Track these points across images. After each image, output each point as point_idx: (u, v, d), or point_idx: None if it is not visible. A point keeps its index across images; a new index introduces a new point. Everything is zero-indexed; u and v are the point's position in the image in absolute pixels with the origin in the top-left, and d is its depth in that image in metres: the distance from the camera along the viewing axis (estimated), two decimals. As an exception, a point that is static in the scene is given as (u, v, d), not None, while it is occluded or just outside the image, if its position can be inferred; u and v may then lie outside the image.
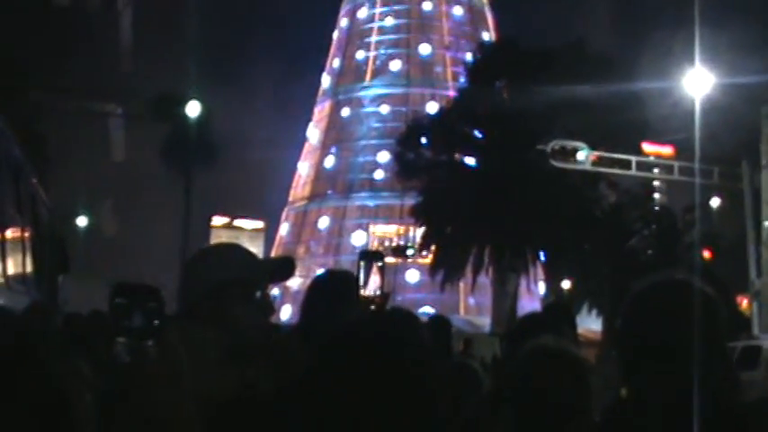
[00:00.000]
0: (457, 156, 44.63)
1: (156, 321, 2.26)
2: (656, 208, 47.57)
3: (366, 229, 75.79)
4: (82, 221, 48.14)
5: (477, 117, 42.75)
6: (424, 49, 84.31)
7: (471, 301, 67.12)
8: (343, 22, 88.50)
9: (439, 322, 6.71)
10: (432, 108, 64.81)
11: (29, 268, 9.84)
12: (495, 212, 38.30)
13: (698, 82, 26.44)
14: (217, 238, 74.26)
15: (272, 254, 79.94)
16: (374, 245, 65.88)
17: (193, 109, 33.38)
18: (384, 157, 72.68)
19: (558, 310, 5.91)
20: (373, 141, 79.72)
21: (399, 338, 1.67)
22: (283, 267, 2.99)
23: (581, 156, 30.48)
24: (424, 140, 43.88)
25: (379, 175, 78.37)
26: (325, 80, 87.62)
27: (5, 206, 8.80)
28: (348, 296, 3.63)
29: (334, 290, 3.66)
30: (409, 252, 54.25)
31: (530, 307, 38.39)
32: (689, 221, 41.58)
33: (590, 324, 40.79)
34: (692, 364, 2.05)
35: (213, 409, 2.45)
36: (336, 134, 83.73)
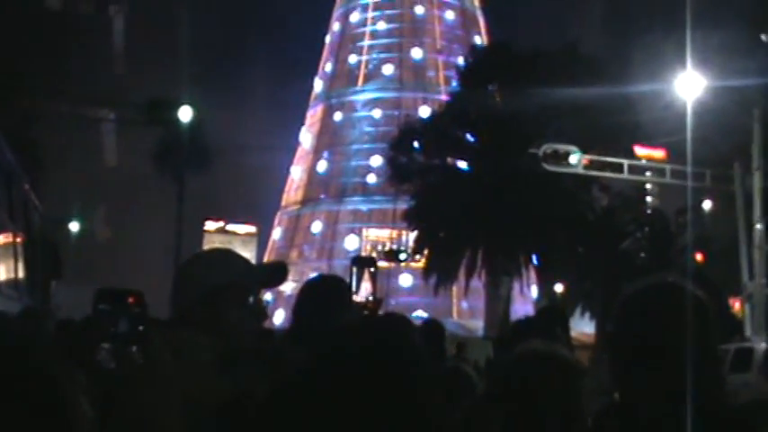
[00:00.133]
0: (449, 159, 44.66)
1: (141, 327, 2.26)
2: (649, 211, 47.72)
3: (359, 234, 75.78)
4: (74, 227, 48.01)
5: (470, 121, 42.78)
6: (417, 53, 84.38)
7: (464, 304, 67.13)
8: (336, 26, 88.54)
9: (432, 326, 6.71)
10: (424, 112, 64.88)
11: (21, 274, 9.82)
12: (487, 216, 38.32)
13: (689, 85, 26.47)
14: (210, 242, 74.29)
15: (265, 258, 79.92)
16: (367, 249, 65.90)
17: (186, 114, 33.34)
18: (377, 161, 72.69)
19: (552, 314, 5.92)
20: (366, 145, 79.74)
21: (392, 342, 1.68)
22: (276, 272, 2.99)
23: (573, 159, 30.49)
24: (416, 144, 43.90)
25: (371, 179, 78.37)
26: (318, 84, 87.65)
27: (-3, 212, 8.79)
28: (340, 300, 3.62)
29: (326, 294, 3.66)
30: (402, 256, 54.24)
31: (523, 310, 38.43)
32: (681, 224, 41.69)
33: (583, 327, 40.85)
34: (684, 367, 2.06)
35: (205, 413, 2.45)
36: (329, 138, 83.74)
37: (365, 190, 79.73)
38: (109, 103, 38.84)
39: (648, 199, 52.11)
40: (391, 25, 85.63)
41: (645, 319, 2.19)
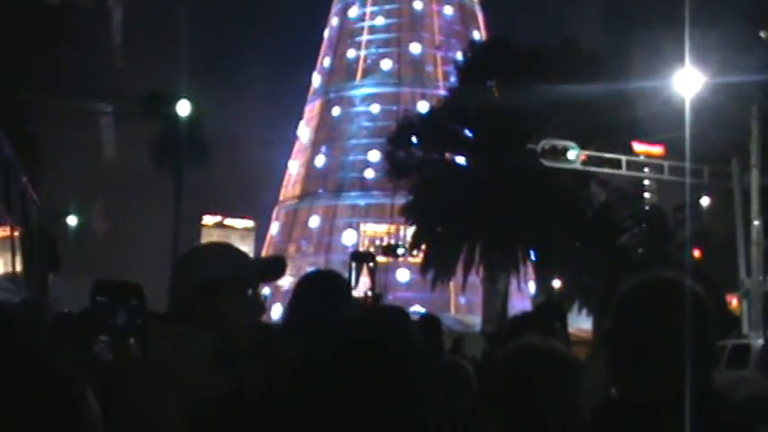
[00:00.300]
0: (447, 155, 44.65)
1: (139, 319, 2.25)
2: (647, 207, 47.70)
3: (357, 229, 75.83)
4: (73, 220, 48.01)
5: (468, 116, 42.77)
6: (415, 48, 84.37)
7: (462, 300, 67.19)
8: (334, 20, 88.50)
9: (429, 321, 6.71)
10: (422, 107, 64.86)
11: (19, 267, 9.81)
12: (485, 211, 38.33)
13: (688, 81, 26.47)
14: (208, 236, 74.23)
15: (263, 253, 79.93)
16: (365, 244, 65.95)
17: (184, 108, 33.30)
18: (375, 156, 72.73)
19: (549, 309, 5.92)
20: (364, 140, 79.77)
21: (390, 336, 1.67)
22: (274, 266, 2.99)
23: (571, 155, 30.47)
24: (414, 139, 43.89)
25: (369, 174, 78.41)
26: (316, 79, 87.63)
27: (-5, 205, 8.79)
28: (338, 295, 3.62)
29: (324, 288, 3.65)
30: (400, 251, 54.26)
31: (520, 306, 38.44)
32: (679, 220, 41.70)
33: (581, 323, 40.86)
34: (682, 362, 2.06)
35: (203, 407, 2.45)
36: (327, 133, 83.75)
37: (363, 185, 79.77)
38: (107, 97, 38.80)
39: (646, 195, 52.12)
40: (390, 20, 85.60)
41: (643, 314, 2.19)
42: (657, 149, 37.68)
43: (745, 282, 28.28)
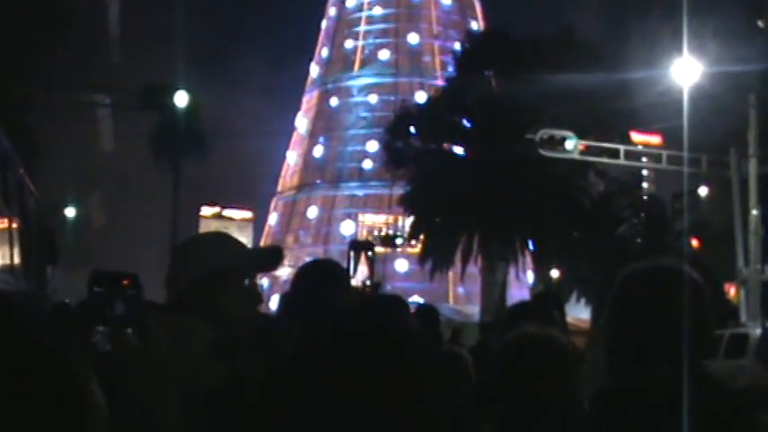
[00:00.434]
0: (445, 145, 44.61)
1: (136, 309, 2.25)
2: (645, 196, 47.72)
3: (355, 219, 75.82)
4: (71, 212, 48.00)
5: (466, 106, 42.73)
6: (413, 38, 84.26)
7: (460, 290, 67.21)
8: (332, 11, 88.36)
9: (426, 312, 6.72)
10: (420, 97, 64.79)
11: (17, 259, 9.81)
12: (483, 201, 38.32)
13: (686, 71, 26.46)
14: (206, 228, 74.17)
15: (261, 243, 79.92)
16: (363, 234, 65.93)
17: (182, 99, 33.31)
18: (373, 146, 72.67)
19: (548, 299, 5.93)
20: (362, 131, 79.71)
21: (388, 323, 1.68)
22: (272, 256, 2.98)
23: (569, 145, 30.45)
24: (412, 130, 43.84)
25: (367, 164, 78.39)
26: (314, 69, 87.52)
27: (-7, 197, 8.79)
28: (337, 284, 3.62)
29: (322, 277, 3.66)
30: (398, 241, 54.28)
31: (518, 296, 38.45)
32: (677, 210, 41.71)
33: (579, 313, 40.90)
34: (680, 349, 2.06)
35: (201, 398, 2.45)
36: (325, 124, 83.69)
37: (361, 175, 79.75)
38: (105, 89, 38.77)
39: (645, 185, 52.12)
40: (387, 10, 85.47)
41: (640, 302, 2.20)
42: (655, 139, 37.69)
43: (742, 271, 28.30)
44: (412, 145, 44.03)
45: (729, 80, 26.62)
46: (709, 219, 39.07)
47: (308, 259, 4.41)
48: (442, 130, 43.26)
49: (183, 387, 2.43)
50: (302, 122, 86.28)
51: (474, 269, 44.34)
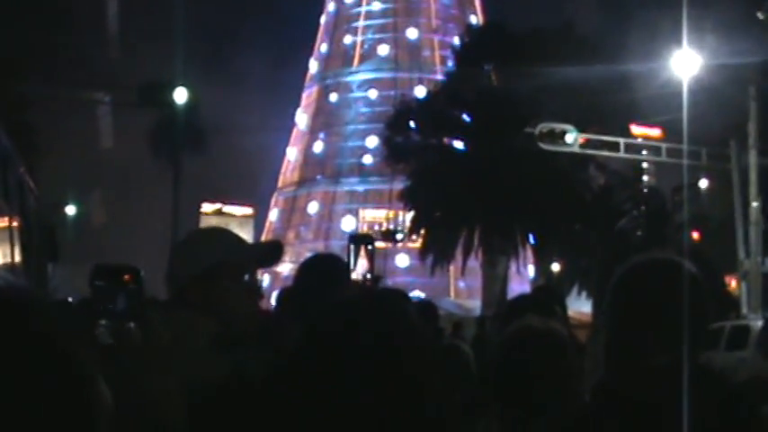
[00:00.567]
0: (445, 139, 44.60)
1: (137, 303, 2.26)
2: (645, 189, 47.71)
3: (355, 214, 75.81)
4: (71, 210, 48.00)
5: (466, 101, 42.71)
6: (412, 33, 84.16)
7: (461, 284, 67.24)
8: (331, 6, 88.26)
9: (425, 308, 6.73)
10: (420, 92, 64.73)
11: (17, 257, 9.82)
12: (484, 195, 38.32)
13: (685, 63, 26.44)
14: (206, 224, 74.10)
15: (262, 239, 79.85)
16: (364, 229, 65.93)
17: (181, 95, 33.24)
18: (373, 141, 72.64)
19: (548, 291, 5.94)
20: (361, 126, 79.65)
21: (389, 316, 1.68)
22: (272, 251, 2.98)
23: (569, 138, 30.43)
24: (412, 124, 43.82)
25: (367, 159, 78.36)
26: (313, 65, 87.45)
27: (-7, 195, 8.79)
28: (338, 278, 3.63)
29: (322, 271, 3.66)
30: (399, 236, 54.27)
31: (520, 289, 38.45)
32: (677, 202, 41.70)
33: (580, 306, 40.92)
34: (680, 343, 2.06)
35: (202, 393, 2.45)
36: (325, 119, 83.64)
37: (361, 170, 79.73)
38: (104, 86, 38.75)
39: (645, 177, 52.15)
40: (386, 5, 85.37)
41: (639, 295, 2.20)
42: (655, 132, 37.66)
43: (743, 263, 28.30)
44: (412, 140, 44.02)
45: (729, 72, 26.60)
46: (709, 211, 39.07)
47: (308, 255, 4.41)
48: (441, 124, 43.24)
49: (183, 382, 2.44)
50: (302, 118, 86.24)
51: (475, 263, 44.36)
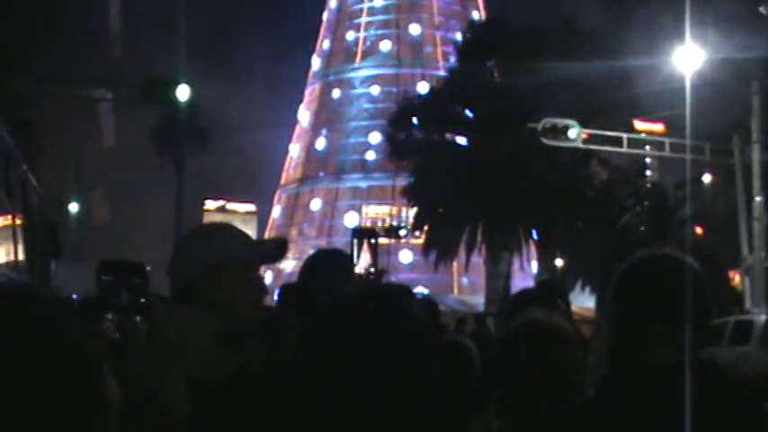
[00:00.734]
0: (448, 135, 44.58)
1: (143, 298, 2.27)
2: (648, 185, 47.67)
3: (359, 211, 75.81)
4: (74, 207, 48.06)
5: (468, 96, 42.68)
6: (414, 29, 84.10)
7: (464, 280, 67.26)
8: (333, 2, 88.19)
9: (425, 305, 6.74)
10: (422, 88, 64.68)
11: (20, 254, 9.83)
12: (487, 191, 38.32)
13: (688, 58, 26.42)
14: (209, 221, 74.24)
15: (266, 236, 79.90)
16: (367, 226, 65.93)
17: (183, 93, 33.25)
18: (375, 138, 72.61)
19: (551, 286, 5.94)
20: (364, 122, 79.62)
21: (392, 311, 1.68)
22: (277, 248, 2.98)
23: (572, 133, 30.40)
24: (415, 121, 43.81)
25: (370, 156, 78.32)
26: (316, 62, 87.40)
27: (-4, 193, 8.80)
28: (342, 273, 3.63)
29: (328, 267, 3.67)
30: (402, 232, 54.25)
31: (522, 285, 38.26)
32: (680, 198, 41.68)
33: (583, 301, 40.92)
34: (681, 337, 2.07)
35: (207, 390, 2.46)
36: (327, 116, 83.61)
37: (364, 167, 79.70)
38: (107, 83, 38.76)
39: (648, 173, 52.10)
40: (388, 1, 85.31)
41: (642, 290, 2.20)
42: (658, 127, 37.65)
43: (747, 258, 28.31)
44: (414, 136, 44.01)
45: (732, 67, 26.58)
46: (712, 206, 39.02)
47: (312, 251, 4.41)
48: (444, 120, 43.23)
49: (188, 377, 2.44)
50: (304, 115, 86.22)
51: (478, 259, 44.36)
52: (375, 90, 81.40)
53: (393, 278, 55.94)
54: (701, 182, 40.68)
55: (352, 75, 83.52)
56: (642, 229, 42.43)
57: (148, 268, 2.31)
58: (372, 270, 26.27)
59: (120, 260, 2.36)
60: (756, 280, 27.30)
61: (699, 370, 2.06)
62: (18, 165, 10.34)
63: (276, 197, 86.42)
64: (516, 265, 43.17)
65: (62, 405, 1.05)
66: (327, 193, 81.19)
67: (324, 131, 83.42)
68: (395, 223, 58.97)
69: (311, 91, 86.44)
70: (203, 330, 2.57)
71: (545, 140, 30.56)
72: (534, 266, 47.54)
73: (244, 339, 2.74)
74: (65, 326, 1.08)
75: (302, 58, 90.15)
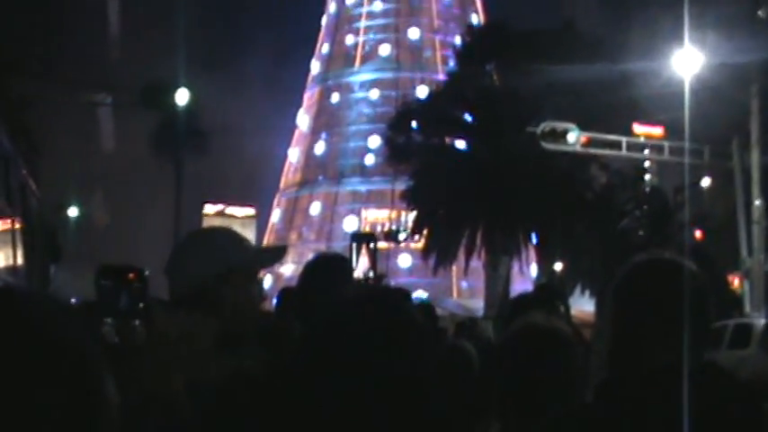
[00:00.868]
0: (447, 139, 44.61)
1: (141, 302, 2.28)
2: (647, 189, 47.65)
3: (358, 215, 75.79)
4: (73, 212, 48.04)
5: (467, 100, 42.71)
6: (413, 33, 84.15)
7: (464, 284, 67.25)
8: (332, 6, 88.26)
9: (422, 309, 6.73)
10: (422, 92, 64.73)
11: (19, 259, 9.83)
12: (486, 195, 38.32)
13: (687, 62, 26.44)
14: (208, 225, 74.21)
15: (265, 240, 79.97)
16: (366, 230, 65.91)
17: (183, 97, 33.25)
18: (375, 142, 72.62)
19: (551, 290, 5.93)
20: (363, 126, 79.65)
21: (391, 315, 1.68)
22: (277, 255, 3.00)
23: (571, 137, 30.44)
24: (414, 124, 43.83)
25: (369, 160, 78.33)
26: (315, 66, 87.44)
27: (-5, 197, 8.80)
28: (341, 278, 3.64)
29: (327, 271, 3.67)
30: (401, 236, 54.23)
31: (522, 289, 38.32)
32: (680, 201, 41.66)
33: (583, 305, 40.90)
34: (681, 339, 2.07)
35: (206, 393, 2.45)
36: (326, 120, 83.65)
37: (363, 171, 79.71)
38: (106, 87, 38.76)
39: (647, 176, 52.09)
40: (387, 5, 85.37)
41: (642, 294, 2.20)
42: (657, 131, 37.60)
43: (746, 261, 28.32)
44: (414, 140, 44.02)
45: (731, 71, 26.59)
46: (711, 210, 39.04)
47: (311, 255, 4.41)
48: (443, 124, 43.25)
49: (188, 381, 2.44)
50: (304, 119, 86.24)
51: (477, 263, 44.35)
52: (374, 94, 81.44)
53: (392, 282, 55.87)
54: (701, 185, 40.71)
55: (351, 79, 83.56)
56: (641, 232, 42.42)
57: (147, 273, 2.31)
58: (371, 274, 26.24)
59: (119, 265, 2.37)
60: (755, 283, 27.31)
61: (699, 372, 2.06)
62: (18, 169, 10.33)
63: (275, 201, 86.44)
64: (516, 268, 43.16)
65: (61, 406, 1.05)
66: (327, 197, 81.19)
67: (323, 135, 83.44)
68: (394, 227, 58.96)
69: (310, 95, 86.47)
70: (203, 334, 2.57)
71: (544, 144, 30.58)
72: (534, 270, 47.54)
73: (243, 343, 2.75)
74: (64, 327, 1.08)
75: (301, 62, 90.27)
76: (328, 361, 1.61)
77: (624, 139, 32.15)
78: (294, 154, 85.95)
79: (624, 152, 32.31)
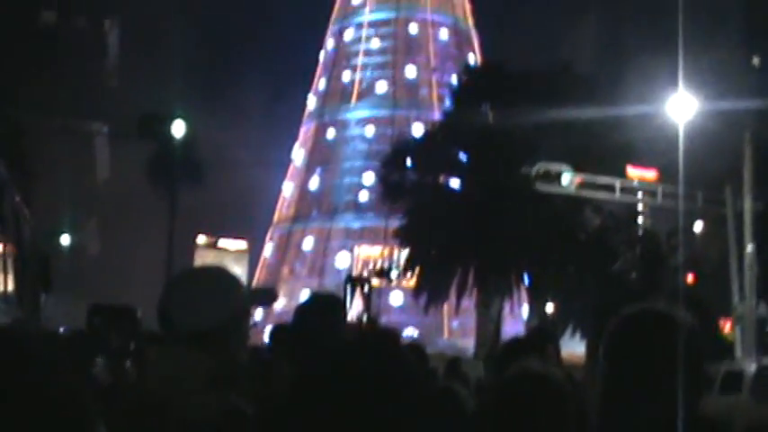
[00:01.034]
0: (441, 178, 44.68)
1: (133, 342, 2.27)
2: (640, 232, 47.69)
3: (350, 251, 75.66)
4: (66, 240, 47.93)
5: (462, 139, 42.84)
6: (410, 71, 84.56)
7: (455, 323, 67.03)
8: (330, 43, 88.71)
9: (412, 349, 6.70)
10: (417, 130, 64.97)
11: (10, 286, 9.79)
12: (479, 235, 38.32)
13: (682, 107, 26.57)
14: (201, 257, 74.09)
15: (257, 275, 79.79)
16: (358, 267, 65.83)
17: (179, 128, 33.31)
18: (369, 178, 72.72)
19: (543, 333, 5.93)
20: (358, 163, 79.77)
21: (385, 359, 1.67)
22: (265, 296, 3.05)
23: (565, 179, 30.52)
24: (408, 162, 43.91)
25: (363, 196, 78.39)
26: (311, 101, 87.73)
27: (-12, 224, 8.77)
28: (335, 320, 3.63)
29: (321, 313, 3.65)
30: (393, 274, 54.15)
31: (513, 330, 38.39)
32: (673, 245, 41.70)
33: (574, 347, 40.78)
34: (674, 392, 2.06)
35: (198, 430, 2.44)
36: (321, 155, 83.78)
37: (357, 207, 79.72)
38: (102, 117, 38.86)
39: (640, 220, 52.17)
40: (385, 43, 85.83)
41: (634, 346, 2.20)
42: (651, 174, 37.74)
43: (738, 307, 28.30)
44: (408, 177, 44.08)
45: (725, 117, 26.75)
46: (704, 254, 39.07)
47: (303, 291, 4.40)
48: (438, 163, 43.33)
49: (179, 419, 2.43)
50: (299, 154, 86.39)
51: (469, 303, 44.27)
52: (370, 131, 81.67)
53: (383, 320, 55.75)
54: (693, 230, 40.76)
55: (347, 115, 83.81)
56: (634, 275, 42.40)
57: (139, 314, 2.31)
58: (364, 318, 26.23)
59: (111, 304, 2.37)
60: (747, 329, 27.28)
61: (692, 426, 2.05)
62: (11, 196, 10.32)
63: (268, 235, 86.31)
64: (507, 308, 43.07)
65: None
66: (320, 232, 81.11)
67: (318, 171, 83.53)
68: (386, 264, 58.88)
69: (306, 130, 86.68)
70: (197, 372, 2.57)
71: (538, 186, 30.63)
72: (525, 311, 47.47)
73: (234, 380, 2.74)
74: (58, 375, 1.07)
75: (298, 97, 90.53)
76: (323, 406, 1.60)
77: (618, 182, 32.23)
78: (288, 188, 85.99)
79: (618, 195, 32.37)
